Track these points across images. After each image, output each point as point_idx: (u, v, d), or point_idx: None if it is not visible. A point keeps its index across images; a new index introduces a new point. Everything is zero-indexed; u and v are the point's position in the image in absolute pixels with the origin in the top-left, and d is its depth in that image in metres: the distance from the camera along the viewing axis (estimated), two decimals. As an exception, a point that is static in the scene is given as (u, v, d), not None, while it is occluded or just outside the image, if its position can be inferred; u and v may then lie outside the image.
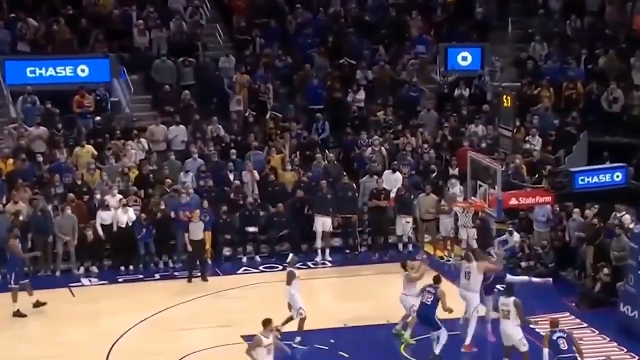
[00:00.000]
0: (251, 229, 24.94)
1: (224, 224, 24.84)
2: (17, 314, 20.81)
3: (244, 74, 29.71)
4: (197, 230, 23.52)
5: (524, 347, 17.75)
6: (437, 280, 18.99)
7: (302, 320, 19.34)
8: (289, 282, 19.40)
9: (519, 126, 27.74)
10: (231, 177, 26.26)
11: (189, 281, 23.19)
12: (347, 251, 25.30)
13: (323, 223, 24.87)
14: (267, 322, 16.09)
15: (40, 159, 25.72)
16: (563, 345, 16.59)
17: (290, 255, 20.89)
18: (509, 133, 24.80)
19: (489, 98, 30.40)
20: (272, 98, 29.48)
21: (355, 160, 27.79)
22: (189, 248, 23.52)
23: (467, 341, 19.01)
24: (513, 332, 17.75)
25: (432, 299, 18.59)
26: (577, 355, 16.77)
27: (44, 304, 21.14)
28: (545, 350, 16.69)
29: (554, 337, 16.71)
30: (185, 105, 28.71)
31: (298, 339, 19.29)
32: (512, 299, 17.77)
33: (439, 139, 28.59)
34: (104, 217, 24.08)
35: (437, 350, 18.48)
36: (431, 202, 25.21)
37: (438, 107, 30.60)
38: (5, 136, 26.71)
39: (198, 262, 23.45)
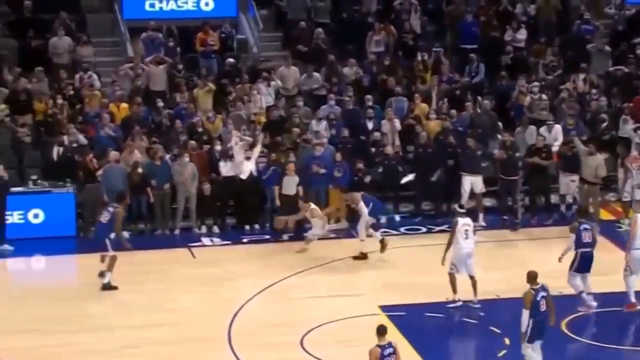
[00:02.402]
0: (407, 178, 24.36)
1: (360, 179, 24.43)
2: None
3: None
4: (291, 184, 23.21)
5: None
6: None
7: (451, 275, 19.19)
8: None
9: None
10: (369, 126, 25.82)
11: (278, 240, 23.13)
12: (505, 217, 24.52)
13: (472, 183, 24.21)
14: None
15: (161, 103, 25.79)
16: None
17: None
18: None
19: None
20: (417, 37, 28.94)
21: (512, 109, 26.98)
22: (277, 203, 23.33)
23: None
24: None
25: None
26: None
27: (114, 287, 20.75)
28: None
29: None
30: (319, 45, 28.31)
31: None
32: None
33: (610, 84, 27.70)
34: (226, 169, 23.94)
35: None
36: (598, 162, 24.21)
37: (612, 46, 29.50)
38: (120, 77, 26.89)
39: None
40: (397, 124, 25.81)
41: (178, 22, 28.87)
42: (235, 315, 19.06)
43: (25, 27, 27.53)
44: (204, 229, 23.94)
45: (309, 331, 18.19)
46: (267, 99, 26.53)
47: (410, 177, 24.14)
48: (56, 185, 23.51)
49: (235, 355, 17.50)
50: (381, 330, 14.55)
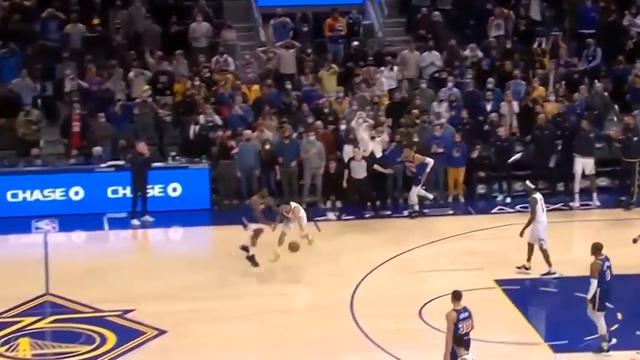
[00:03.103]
0: (515, 157, 24.16)
1: (479, 159, 24.45)
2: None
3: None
4: (360, 169, 23.24)
5: None
6: None
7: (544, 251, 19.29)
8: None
9: None
10: (488, 107, 25.76)
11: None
12: (622, 198, 24.16)
13: (584, 165, 23.99)
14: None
15: (289, 85, 26.14)
16: None
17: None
18: None
19: None
20: (533, 23, 28.71)
21: (628, 93, 26.54)
22: (344, 185, 23.40)
23: None
24: None
25: None
26: None
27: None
28: None
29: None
30: (440, 30, 28.35)
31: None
32: None
33: None
34: (350, 150, 24.08)
35: None
36: None
37: None
38: (250, 61, 27.31)
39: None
40: (515, 106, 25.64)
41: (308, 8, 29.05)
42: (357, 287, 19.32)
43: (168, 13, 28.11)
44: (328, 204, 24.25)
45: (427, 303, 18.29)
46: (390, 82, 26.60)
47: (517, 156, 24.05)
48: (193, 161, 24.04)
49: (358, 324, 17.74)
50: (457, 296, 14.84)
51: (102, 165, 23.77)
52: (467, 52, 27.64)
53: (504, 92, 26.05)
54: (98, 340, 17.27)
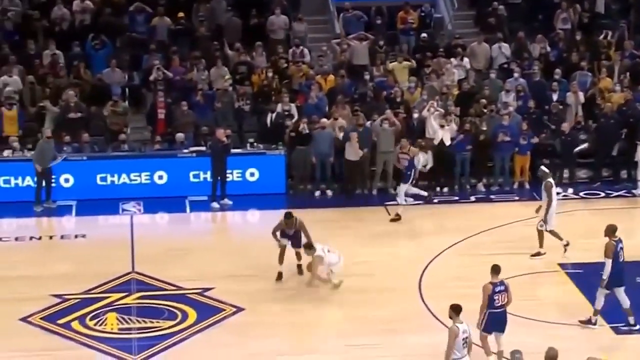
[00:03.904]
0: (581, 147, 24.00)
1: (543, 147, 24.23)
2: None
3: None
4: (352, 151, 23.08)
5: None
6: None
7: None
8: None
9: None
10: (554, 98, 25.50)
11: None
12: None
13: (646, 154, 23.77)
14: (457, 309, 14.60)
15: (367, 76, 26.13)
16: None
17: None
18: None
19: None
20: (596, 16, 28.34)
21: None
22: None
23: None
24: None
25: None
26: None
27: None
28: None
29: None
30: (508, 22, 28.09)
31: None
32: None
33: None
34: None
35: None
36: None
37: None
38: (325, 52, 27.36)
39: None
40: (581, 96, 25.38)
41: (382, 2, 28.99)
42: (425, 269, 19.38)
43: (248, 6, 28.24)
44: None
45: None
46: (460, 73, 26.51)
47: (584, 146, 23.81)
48: (269, 148, 24.19)
49: (425, 305, 17.88)
50: (496, 269, 15.35)
51: (185, 150, 24.03)
52: (534, 44, 27.34)
53: (569, 82, 25.74)
54: (180, 316, 17.56)
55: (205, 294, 18.38)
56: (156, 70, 25.67)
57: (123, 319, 17.46)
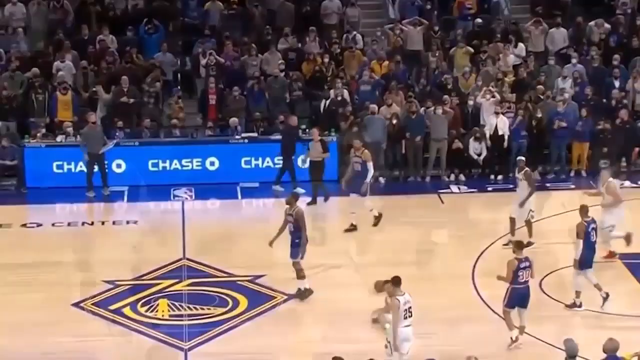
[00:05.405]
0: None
1: (602, 135, 23.98)
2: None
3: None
4: (314, 151, 22.60)
5: None
6: None
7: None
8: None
9: None
10: (616, 84, 25.25)
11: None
12: None
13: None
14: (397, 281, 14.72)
15: (418, 62, 26.06)
16: None
17: None
18: None
19: None
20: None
21: None
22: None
23: None
24: None
25: None
26: None
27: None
28: None
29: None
30: (567, 7, 27.84)
31: None
32: None
33: None
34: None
35: None
36: None
37: None
38: (379, 38, 27.28)
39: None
40: (641, 83, 25.14)
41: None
42: (479, 257, 19.32)
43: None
44: (452, 177, 24.19)
45: (548, 274, 18.17)
46: (516, 59, 26.33)
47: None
48: (322, 134, 24.17)
49: (478, 293, 17.85)
50: (520, 245, 15.90)
51: (237, 137, 24.12)
52: (594, 30, 27.04)
53: (629, 69, 25.44)
54: (231, 303, 17.67)
55: (256, 281, 18.47)
56: (208, 55, 25.78)
57: (174, 305, 17.60)
